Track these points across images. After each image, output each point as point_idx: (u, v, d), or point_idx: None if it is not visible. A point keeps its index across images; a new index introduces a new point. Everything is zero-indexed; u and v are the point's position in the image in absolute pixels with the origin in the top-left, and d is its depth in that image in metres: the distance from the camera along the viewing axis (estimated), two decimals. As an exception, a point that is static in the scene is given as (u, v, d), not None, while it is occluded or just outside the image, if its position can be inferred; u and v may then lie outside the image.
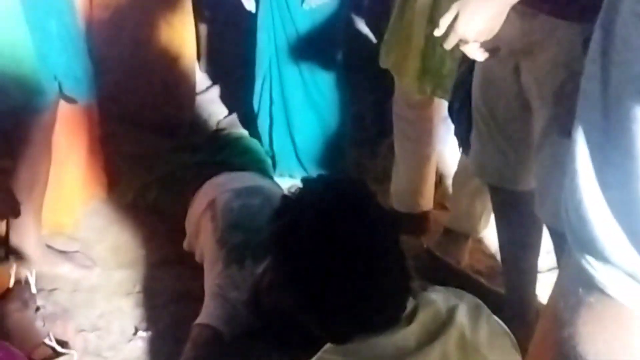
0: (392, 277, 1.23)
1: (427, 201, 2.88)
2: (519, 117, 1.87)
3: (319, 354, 1.24)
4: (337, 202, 1.27)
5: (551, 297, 1.19)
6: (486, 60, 1.72)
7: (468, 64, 1.97)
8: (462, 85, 2.04)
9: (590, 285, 0.91)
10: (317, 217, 1.23)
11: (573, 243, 0.93)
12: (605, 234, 0.87)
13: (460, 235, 2.74)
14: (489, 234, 2.82)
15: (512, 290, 2.25)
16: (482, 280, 2.53)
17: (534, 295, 2.25)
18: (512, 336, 1.33)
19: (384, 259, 1.22)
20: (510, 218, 2.16)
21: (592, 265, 0.90)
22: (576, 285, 0.94)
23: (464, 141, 2.10)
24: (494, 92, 1.91)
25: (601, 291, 0.90)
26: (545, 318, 1.46)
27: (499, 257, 2.74)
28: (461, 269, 2.61)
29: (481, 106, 1.95)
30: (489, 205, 2.71)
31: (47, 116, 2.39)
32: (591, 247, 0.89)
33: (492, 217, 2.75)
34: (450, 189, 2.80)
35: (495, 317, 1.33)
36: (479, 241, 2.80)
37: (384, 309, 1.21)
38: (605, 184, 0.87)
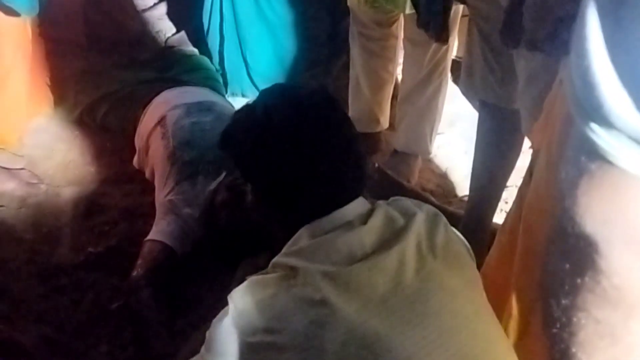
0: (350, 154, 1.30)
1: (385, 120, 2.87)
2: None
3: (276, 258, 1.24)
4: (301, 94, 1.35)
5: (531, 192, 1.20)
6: None
7: None
8: None
9: (592, 152, 0.93)
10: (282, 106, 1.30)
11: (577, 112, 0.94)
12: (612, 99, 0.88)
13: (410, 155, 2.76)
14: (439, 153, 2.84)
15: (474, 211, 2.27)
16: (432, 198, 2.55)
17: (492, 218, 2.28)
18: (467, 245, 1.34)
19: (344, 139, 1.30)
20: (498, 139, 2.11)
21: (595, 132, 0.91)
22: (578, 154, 0.95)
23: (440, 31, 2.00)
24: (479, 8, 1.91)
25: (603, 158, 0.92)
26: (505, 231, 1.49)
27: (448, 176, 2.79)
28: (412, 187, 2.63)
29: (473, 25, 1.94)
30: (436, 125, 2.73)
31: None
32: (596, 114, 0.90)
33: (445, 137, 2.79)
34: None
35: (452, 227, 1.34)
36: (429, 160, 2.82)
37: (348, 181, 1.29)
38: (614, 48, 0.87)
